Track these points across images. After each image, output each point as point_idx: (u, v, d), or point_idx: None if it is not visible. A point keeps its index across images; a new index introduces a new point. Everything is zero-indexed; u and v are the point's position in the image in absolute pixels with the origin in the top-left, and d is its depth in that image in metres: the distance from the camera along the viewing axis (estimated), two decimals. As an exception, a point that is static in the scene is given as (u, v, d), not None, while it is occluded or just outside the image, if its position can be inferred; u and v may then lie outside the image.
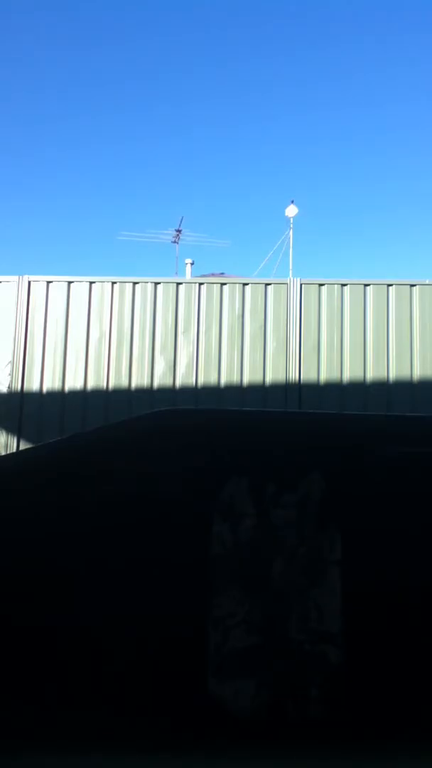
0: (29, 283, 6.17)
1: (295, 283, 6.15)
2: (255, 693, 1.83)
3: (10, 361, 6.08)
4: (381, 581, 1.90)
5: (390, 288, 6.09)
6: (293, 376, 5.97)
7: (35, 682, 1.83)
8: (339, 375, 5.96)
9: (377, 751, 1.82)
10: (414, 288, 6.10)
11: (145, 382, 6.01)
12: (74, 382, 6.03)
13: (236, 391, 5.95)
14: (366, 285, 6.11)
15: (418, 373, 5.94)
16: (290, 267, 12.97)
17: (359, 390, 5.92)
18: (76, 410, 5.92)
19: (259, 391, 5.96)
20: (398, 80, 29.05)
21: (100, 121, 28.12)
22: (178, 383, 6.01)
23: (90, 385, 6.02)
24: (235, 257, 28.74)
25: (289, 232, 12.91)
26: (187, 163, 29.45)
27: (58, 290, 6.17)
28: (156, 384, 6.01)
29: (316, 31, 27.17)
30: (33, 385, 6.05)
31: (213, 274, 10.89)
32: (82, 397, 5.99)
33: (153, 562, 1.89)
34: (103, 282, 6.17)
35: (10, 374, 6.06)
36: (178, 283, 6.25)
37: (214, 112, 29.40)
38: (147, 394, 5.97)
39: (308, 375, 5.98)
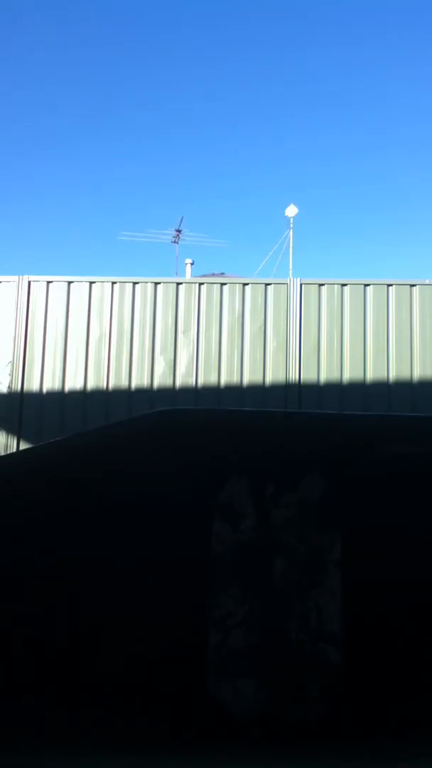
0: (29, 283, 6.17)
1: (295, 283, 6.14)
2: (255, 693, 1.82)
3: (10, 361, 6.08)
4: (381, 581, 1.89)
5: (390, 288, 6.09)
6: (293, 376, 5.97)
7: (34, 682, 1.83)
8: (339, 375, 5.96)
9: (377, 752, 1.82)
10: (414, 288, 6.10)
11: (145, 382, 6.01)
12: (74, 382, 6.03)
13: (236, 391, 5.95)
14: (366, 285, 6.10)
15: (418, 373, 5.94)
16: (290, 267, 12.98)
17: (359, 390, 5.92)
18: (76, 410, 5.92)
19: (259, 391, 5.96)
20: (399, 79, 29.04)
21: (100, 121, 28.13)
22: (178, 383, 6.01)
23: (90, 385, 6.02)
24: (234, 257, 28.74)
25: (289, 232, 12.91)
26: (187, 163, 29.45)
27: (58, 290, 6.17)
28: (156, 384, 6.01)
29: (316, 29, 27.18)
30: (33, 385, 6.04)
31: (213, 274, 10.88)
32: (82, 397, 5.99)
33: (153, 562, 1.89)
34: (103, 282, 6.17)
35: (10, 374, 6.05)
36: (178, 283, 6.25)
37: (214, 111, 29.40)
38: (147, 394, 5.97)
39: (308, 375, 5.98)
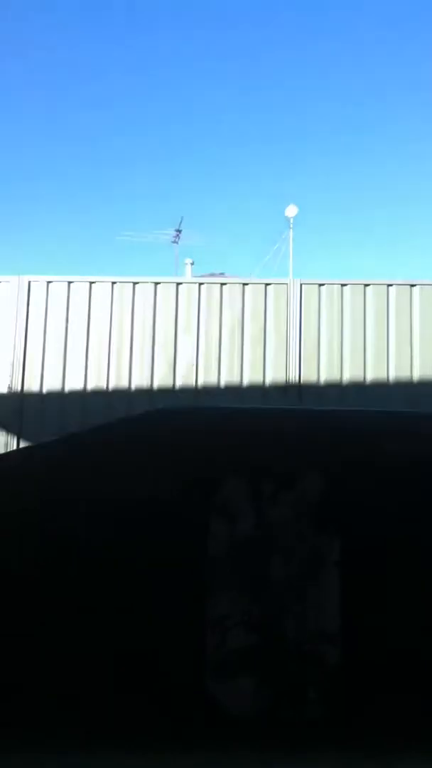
0: (29, 283, 6.16)
1: (295, 283, 6.14)
2: (253, 693, 1.82)
3: (10, 362, 6.08)
4: (380, 582, 1.89)
5: (390, 288, 6.08)
6: (293, 376, 5.96)
7: (32, 682, 1.83)
8: (339, 375, 5.96)
9: (376, 752, 1.82)
10: (414, 288, 6.09)
11: (145, 382, 6.01)
12: (74, 382, 6.03)
13: (236, 391, 5.95)
14: (366, 285, 6.10)
15: (418, 373, 5.93)
16: (290, 267, 13.00)
17: (359, 390, 5.92)
18: (76, 410, 5.91)
19: (259, 391, 5.96)
20: (399, 77, 29.04)
21: (99, 121, 28.16)
22: (178, 383, 6.01)
23: (90, 385, 6.02)
24: (235, 257, 28.77)
25: (289, 232, 12.93)
26: (188, 163, 29.48)
27: (58, 290, 6.17)
28: (156, 384, 6.01)
29: (315, 24, 27.19)
30: (33, 385, 6.04)
31: (213, 274, 10.88)
32: (82, 397, 5.98)
33: (150, 562, 1.89)
34: (103, 282, 6.17)
35: (10, 374, 6.05)
36: (178, 283, 6.25)
37: (213, 109, 29.42)
38: (147, 394, 5.97)
39: (308, 375, 5.98)
